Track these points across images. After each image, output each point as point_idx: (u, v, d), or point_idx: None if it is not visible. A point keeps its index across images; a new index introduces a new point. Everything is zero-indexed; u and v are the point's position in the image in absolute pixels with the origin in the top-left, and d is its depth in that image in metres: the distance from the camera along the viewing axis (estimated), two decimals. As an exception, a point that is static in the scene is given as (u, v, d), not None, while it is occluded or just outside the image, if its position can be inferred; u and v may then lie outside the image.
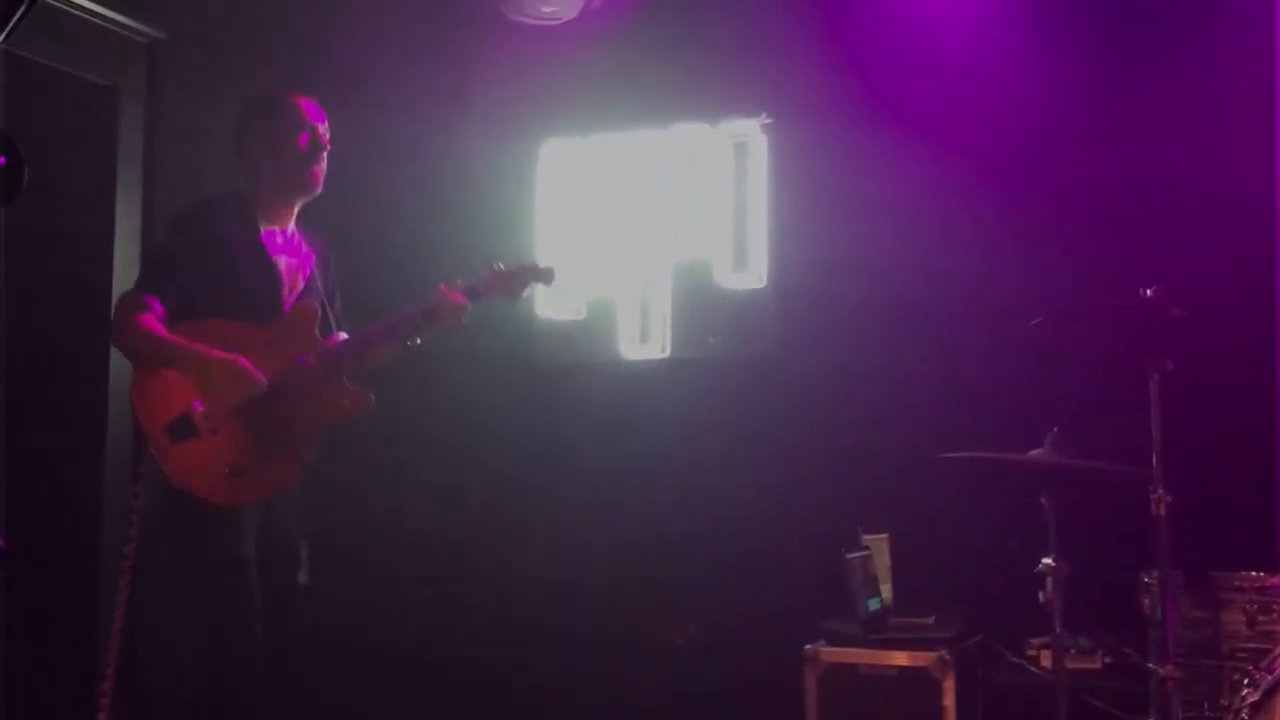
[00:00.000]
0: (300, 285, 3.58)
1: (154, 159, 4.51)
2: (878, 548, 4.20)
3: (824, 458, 4.56)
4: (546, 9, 4.73)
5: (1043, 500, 3.60)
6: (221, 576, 3.31)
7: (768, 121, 4.86)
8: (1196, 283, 3.75)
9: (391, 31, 4.87)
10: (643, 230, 5.01)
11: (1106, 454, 3.49)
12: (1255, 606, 3.25)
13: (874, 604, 4.08)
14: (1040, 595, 3.52)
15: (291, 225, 3.62)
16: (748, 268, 4.93)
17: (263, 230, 3.53)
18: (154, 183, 4.49)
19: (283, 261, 3.55)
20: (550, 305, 5.07)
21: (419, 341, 3.63)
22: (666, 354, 4.97)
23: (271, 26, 4.75)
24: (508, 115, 5.07)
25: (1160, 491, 3.29)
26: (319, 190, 3.57)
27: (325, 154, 3.57)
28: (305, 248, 3.64)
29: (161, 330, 3.34)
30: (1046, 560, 3.54)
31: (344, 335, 3.66)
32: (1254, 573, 3.30)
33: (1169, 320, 3.31)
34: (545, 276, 3.77)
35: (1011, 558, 3.73)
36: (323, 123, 3.59)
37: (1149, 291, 3.34)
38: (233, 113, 3.64)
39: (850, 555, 4.04)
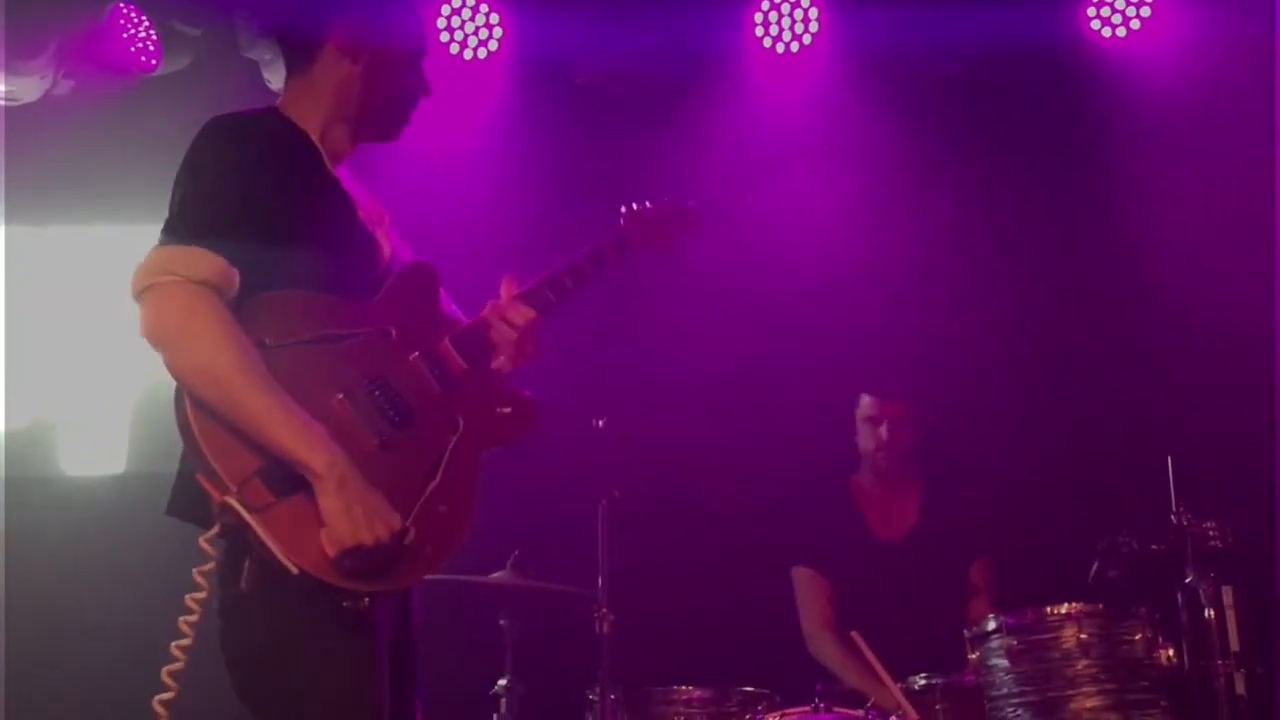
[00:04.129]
0: (389, 246, 2.35)
1: None
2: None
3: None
4: (1, 88, 4.32)
5: (502, 621, 3.69)
6: None
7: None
8: (648, 415, 4.10)
9: None
10: (105, 333, 4.64)
11: (565, 576, 3.65)
12: (682, 719, 3.50)
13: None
14: (494, 717, 3.57)
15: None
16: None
17: (327, 165, 2.30)
18: None
19: (360, 210, 2.32)
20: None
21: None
22: (123, 469, 4.60)
23: None
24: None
25: (604, 610, 3.48)
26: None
27: None
28: (369, 197, 2.43)
29: (263, 373, 2.00)
30: (502, 681, 3.62)
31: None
32: (684, 687, 3.55)
33: (617, 449, 3.56)
34: (695, 222, 2.84)
35: (471, 679, 3.77)
36: None
37: (600, 422, 3.57)
38: None
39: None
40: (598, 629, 3.49)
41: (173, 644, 2.03)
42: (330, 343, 2.11)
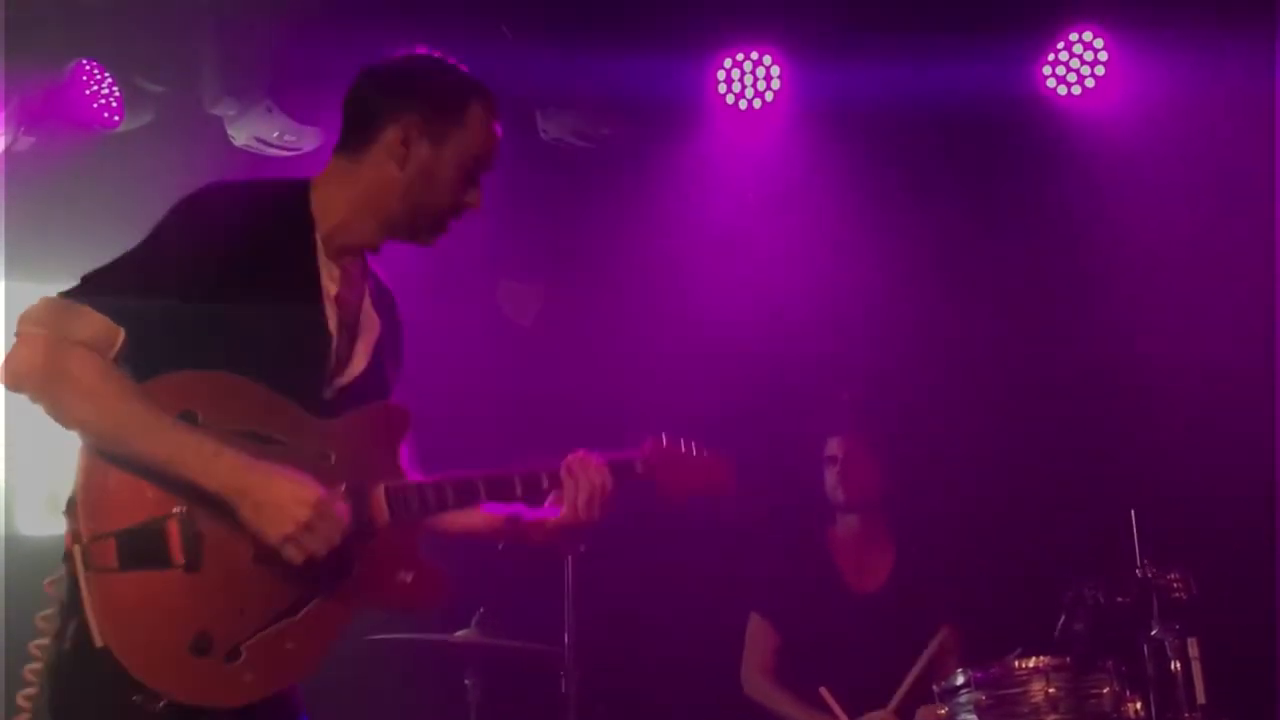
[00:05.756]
0: (362, 365, 2.23)
1: None
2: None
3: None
4: (-40, 144, 4.28)
5: (466, 680, 3.64)
6: None
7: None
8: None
9: None
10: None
11: (531, 634, 3.61)
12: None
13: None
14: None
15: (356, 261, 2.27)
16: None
17: (320, 259, 2.18)
18: None
19: (333, 318, 2.19)
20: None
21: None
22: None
23: None
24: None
25: (570, 668, 3.44)
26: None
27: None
28: (370, 300, 2.29)
29: (139, 396, 1.98)
30: (467, 743, 3.57)
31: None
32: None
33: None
34: (727, 479, 2.58)
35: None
36: None
37: (566, 476, 3.54)
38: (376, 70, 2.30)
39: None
40: (564, 687, 3.45)
41: (18, 694, 1.99)
42: (260, 441, 2.04)
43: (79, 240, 4.60)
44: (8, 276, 4.44)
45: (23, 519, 4.59)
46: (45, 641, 2.00)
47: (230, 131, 4.48)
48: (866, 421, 4.21)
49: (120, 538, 1.93)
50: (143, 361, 2.02)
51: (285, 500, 1.97)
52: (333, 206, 2.20)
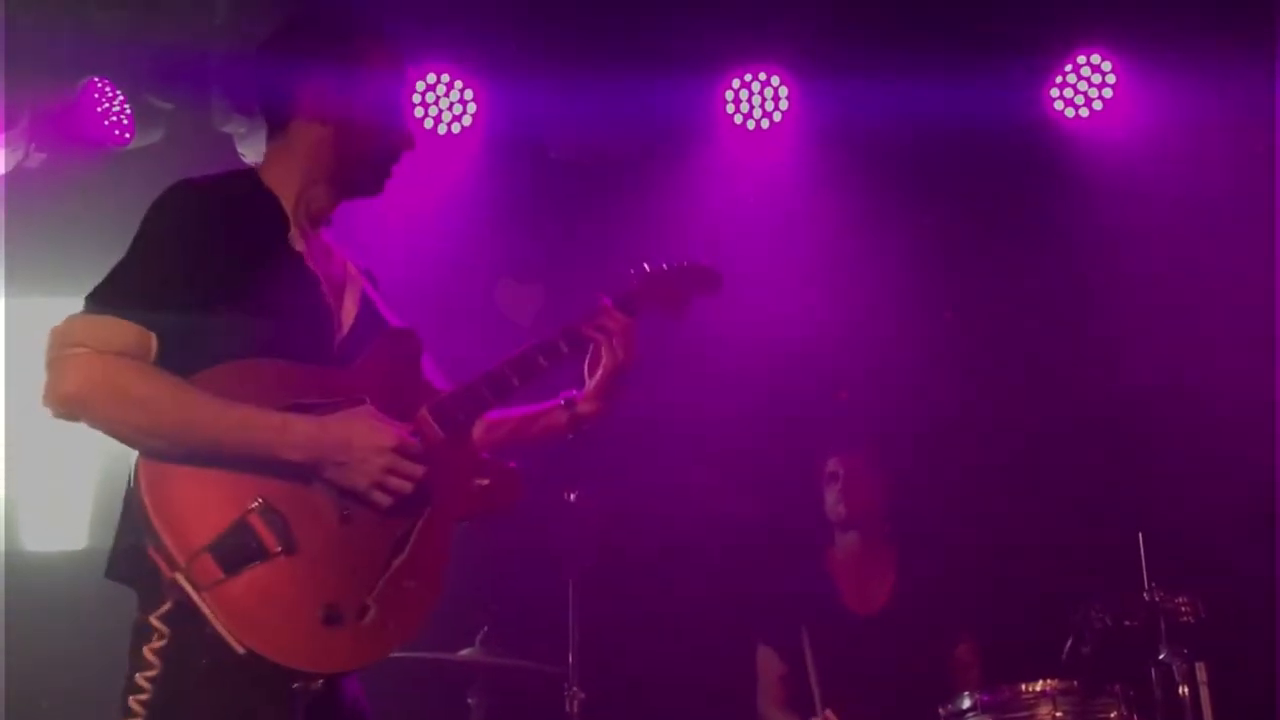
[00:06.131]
0: (354, 314, 2.31)
1: None
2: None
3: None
4: (-28, 160, 4.31)
5: (470, 700, 3.63)
6: None
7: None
8: (620, 489, 4.07)
9: None
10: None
11: (535, 653, 3.60)
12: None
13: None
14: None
15: (322, 229, 2.37)
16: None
17: (293, 231, 2.27)
18: None
19: (323, 280, 2.28)
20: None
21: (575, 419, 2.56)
22: (84, 545, 4.51)
23: None
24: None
25: (574, 688, 3.43)
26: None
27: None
28: (346, 261, 2.40)
29: (195, 390, 2.02)
30: (468, 763, 3.56)
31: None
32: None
33: (589, 523, 3.54)
34: (712, 281, 2.80)
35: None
36: None
37: (572, 495, 3.55)
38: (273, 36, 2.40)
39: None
40: (568, 707, 3.44)
41: None
42: (303, 411, 2.09)
43: (89, 257, 4.63)
44: (14, 293, 4.47)
45: (25, 534, 4.59)
46: (154, 673, 1.99)
47: (240, 149, 4.50)
48: (867, 439, 4.21)
49: (213, 549, 1.96)
50: (173, 364, 2.04)
51: (365, 451, 2.05)
52: (286, 183, 2.30)
